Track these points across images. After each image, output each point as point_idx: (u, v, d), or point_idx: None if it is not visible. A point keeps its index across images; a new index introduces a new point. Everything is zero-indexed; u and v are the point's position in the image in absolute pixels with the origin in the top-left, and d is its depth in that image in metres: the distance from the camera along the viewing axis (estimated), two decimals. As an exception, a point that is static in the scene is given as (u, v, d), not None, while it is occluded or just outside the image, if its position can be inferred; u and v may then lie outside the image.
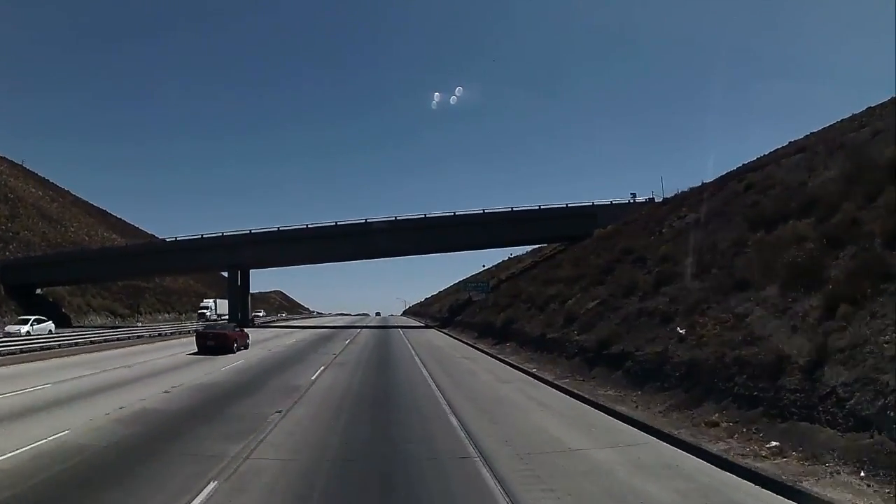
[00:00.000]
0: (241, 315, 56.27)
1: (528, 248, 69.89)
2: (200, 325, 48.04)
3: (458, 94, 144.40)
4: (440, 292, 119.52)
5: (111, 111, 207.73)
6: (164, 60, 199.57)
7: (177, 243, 53.32)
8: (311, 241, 50.00)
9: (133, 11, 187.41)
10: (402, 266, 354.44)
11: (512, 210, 51.18)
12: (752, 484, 6.47)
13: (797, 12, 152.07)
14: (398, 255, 57.04)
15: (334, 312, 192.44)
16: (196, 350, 24.41)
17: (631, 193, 52.47)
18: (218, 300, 76.75)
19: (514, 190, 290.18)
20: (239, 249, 51.51)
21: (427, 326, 53.88)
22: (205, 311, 70.99)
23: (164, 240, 63.01)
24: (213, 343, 24.76)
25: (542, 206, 51.86)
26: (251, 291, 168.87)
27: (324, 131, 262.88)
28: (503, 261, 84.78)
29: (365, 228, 49.30)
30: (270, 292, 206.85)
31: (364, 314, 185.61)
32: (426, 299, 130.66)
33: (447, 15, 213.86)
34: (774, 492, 6.14)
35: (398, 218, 49.66)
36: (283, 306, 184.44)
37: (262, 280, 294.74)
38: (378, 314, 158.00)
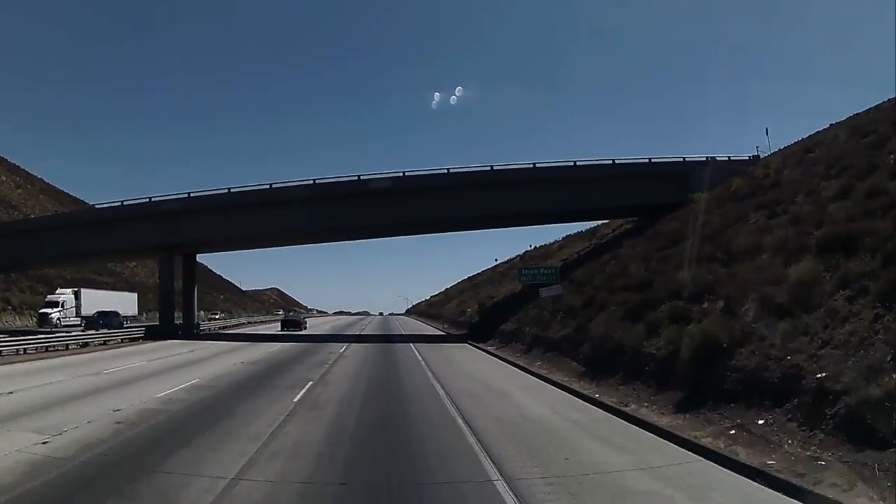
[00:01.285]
0: (185, 317, 38.35)
1: (558, 235, 53.30)
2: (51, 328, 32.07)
3: (458, 94, 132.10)
4: (448, 289, 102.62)
5: (105, 105, 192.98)
6: (164, 55, 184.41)
7: (81, 215, 35.31)
8: (280, 210, 32.12)
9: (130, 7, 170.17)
10: (402, 258, 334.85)
11: (575, 165, 33.46)
12: None
13: (798, 11, 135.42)
14: (406, 231, 38.60)
15: (332, 311, 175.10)
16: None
17: (706, 156, 35.81)
18: (84, 291, 48.92)
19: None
20: (174, 222, 33.64)
21: (450, 336, 35.84)
22: (49, 310, 43.53)
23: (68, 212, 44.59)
24: (291, 324, 45.72)
25: (616, 161, 34.31)
26: (244, 289, 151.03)
27: (322, 131, 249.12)
28: (528, 250, 67.29)
29: (358, 190, 31.46)
30: (266, 290, 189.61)
31: (364, 313, 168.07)
32: (433, 297, 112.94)
33: (447, 14, 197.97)
34: None
35: (406, 174, 31.88)
36: (279, 304, 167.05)
37: (257, 277, 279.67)
38: (381, 314, 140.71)
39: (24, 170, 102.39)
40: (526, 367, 17.35)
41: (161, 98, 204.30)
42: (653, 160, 34.68)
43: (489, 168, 32.08)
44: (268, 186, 32.06)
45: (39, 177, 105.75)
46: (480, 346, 25.40)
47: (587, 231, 47.56)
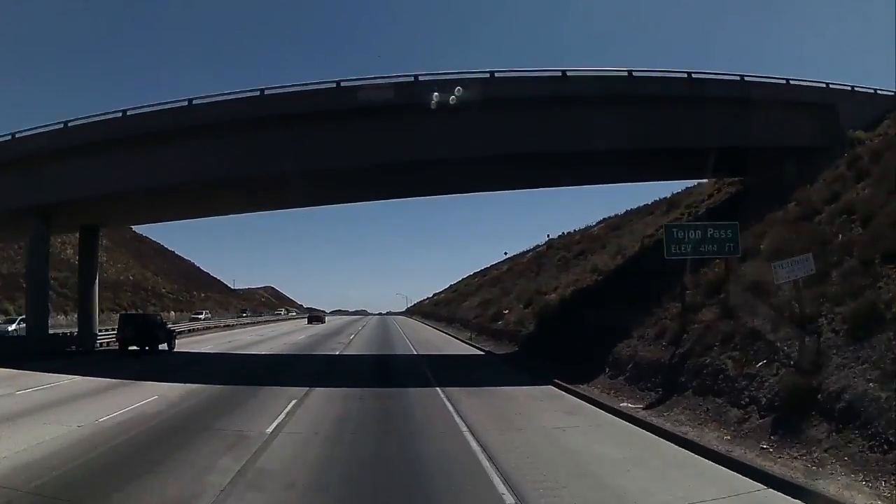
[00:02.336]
0: (81, 321, 24.88)
1: (589, 220, 39.63)
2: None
3: (457, 94, 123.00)
4: (454, 285, 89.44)
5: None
6: (167, 53, 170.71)
7: None
8: (208, 144, 18.65)
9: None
10: (400, 255, 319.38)
11: (689, 77, 19.99)
12: None
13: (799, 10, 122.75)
14: (420, 187, 23.55)
15: (330, 311, 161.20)
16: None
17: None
18: None
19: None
20: (44, 169, 20.15)
21: (496, 359, 21.62)
22: None
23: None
24: (315, 319, 66.66)
25: (744, 77, 20.69)
26: (234, 287, 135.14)
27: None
28: (550, 238, 53.99)
29: (339, 106, 17.89)
30: (259, 288, 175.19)
31: (362, 312, 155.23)
32: (437, 295, 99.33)
33: (447, 14, 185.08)
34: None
35: (420, 78, 18.37)
36: (272, 303, 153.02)
37: (253, 275, 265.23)
38: (380, 314, 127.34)
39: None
40: None
41: (156, 90, 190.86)
42: (791, 81, 21.14)
43: (560, 73, 18.51)
44: (186, 103, 18.35)
45: None
46: (591, 395, 11.42)
47: (659, 201, 34.21)
